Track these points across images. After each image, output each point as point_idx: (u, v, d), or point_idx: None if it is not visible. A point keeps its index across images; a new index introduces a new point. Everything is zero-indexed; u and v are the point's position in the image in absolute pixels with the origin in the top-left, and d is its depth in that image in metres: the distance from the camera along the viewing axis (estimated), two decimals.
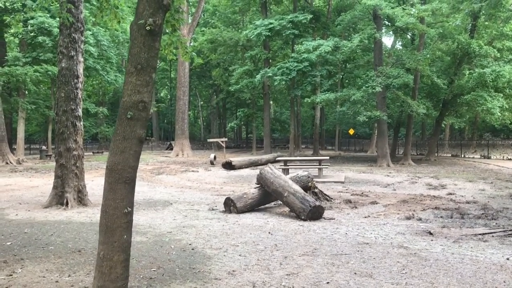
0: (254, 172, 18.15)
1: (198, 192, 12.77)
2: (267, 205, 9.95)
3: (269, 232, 7.29)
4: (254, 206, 9.40)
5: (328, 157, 17.93)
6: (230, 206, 9.18)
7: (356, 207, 9.79)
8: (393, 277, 4.93)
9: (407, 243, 6.56)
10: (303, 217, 8.34)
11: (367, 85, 21.00)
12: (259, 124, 45.84)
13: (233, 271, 5.20)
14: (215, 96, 48.30)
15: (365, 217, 8.73)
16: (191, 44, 39.71)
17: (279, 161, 18.68)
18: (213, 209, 9.59)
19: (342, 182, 14.61)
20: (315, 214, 8.41)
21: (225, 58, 39.31)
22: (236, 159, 21.60)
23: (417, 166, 22.46)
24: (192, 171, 20.05)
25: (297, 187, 8.94)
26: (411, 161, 23.96)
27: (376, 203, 10.30)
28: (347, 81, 39.44)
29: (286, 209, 9.20)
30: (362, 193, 12.11)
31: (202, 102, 59.95)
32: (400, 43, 38.78)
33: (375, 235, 7.11)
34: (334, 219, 8.50)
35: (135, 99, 3.69)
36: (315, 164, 16.14)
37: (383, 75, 20.88)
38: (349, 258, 5.72)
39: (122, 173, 3.70)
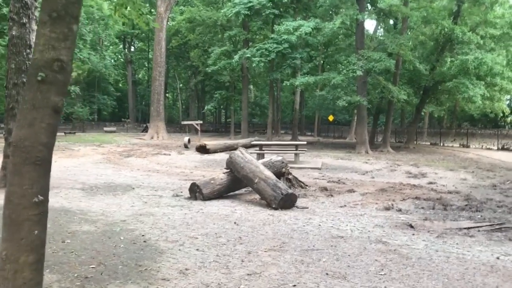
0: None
1: (166, 176, 11.95)
2: (237, 192, 9.21)
3: (235, 223, 6.56)
4: (223, 193, 8.64)
5: (305, 142, 17.25)
6: (195, 192, 8.41)
7: (332, 196, 9.14)
8: (370, 279, 4.26)
9: (386, 237, 5.91)
10: (274, 206, 7.64)
11: (347, 69, 20.31)
12: (238, 108, 44.93)
13: (186, 269, 4.46)
14: (194, 79, 47.02)
15: (341, 206, 8.07)
16: (169, 23, 38.36)
17: (255, 145, 17.97)
18: (177, 196, 8.81)
19: (319, 169, 13.97)
20: (287, 202, 7.72)
21: (204, 39, 38.16)
22: (211, 142, 20.77)
23: (396, 154, 22.03)
24: (164, 154, 19.17)
25: (269, 173, 8.21)
26: (390, 149, 23.53)
27: (353, 192, 9.67)
28: (328, 66, 38.77)
29: (257, 196, 8.48)
30: (339, 180, 11.48)
31: (181, 85, 58.59)
32: (382, 29, 38.19)
33: (351, 227, 6.45)
34: (308, 208, 7.82)
35: (49, 57, 2.85)
36: (292, 149, 15.45)
37: (365, 58, 20.20)
38: (321, 255, 5.03)
39: (31, 151, 2.88)
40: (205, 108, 37.58)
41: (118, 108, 63.99)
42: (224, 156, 18.18)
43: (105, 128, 45.26)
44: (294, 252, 5.12)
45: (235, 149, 20.82)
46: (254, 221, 6.71)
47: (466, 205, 8.29)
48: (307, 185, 10.13)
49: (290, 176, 9.77)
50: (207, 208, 7.65)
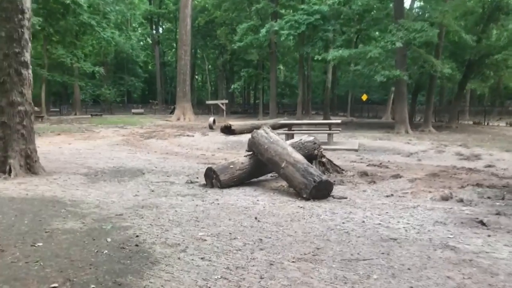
0: None
1: (183, 159, 10.73)
2: (261, 178, 7.88)
3: (256, 218, 5.23)
4: (244, 180, 7.32)
5: (339, 121, 15.71)
6: (212, 178, 7.12)
7: (374, 182, 7.67)
8: None
9: (454, 240, 4.46)
10: (305, 196, 6.27)
11: (386, 41, 18.46)
12: (266, 88, 43.35)
13: None
14: (221, 58, 45.61)
15: (387, 196, 6.62)
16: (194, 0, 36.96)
17: (284, 125, 16.56)
18: (191, 182, 7.54)
19: (356, 150, 12.46)
20: (321, 191, 6.33)
21: (231, 16, 36.60)
22: (236, 123, 19.46)
23: (439, 134, 20.16)
24: (187, 135, 18.01)
25: (298, 156, 6.83)
26: (432, 128, 21.65)
27: (400, 177, 8.16)
28: (361, 44, 36.54)
29: (284, 183, 7.13)
30: (381, 163, 9.96)
31: (210, 66, 57.18)
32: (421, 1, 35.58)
33: (404, 225, 5.01)
34: (347, 198, 6.41)
35: None
36: (324, 129, 13.95)
37: (405, 29, 18.27)
38: (370, 268, 3.65)
39: None
40: (232, 87, 36.04)
41: (148, 90, 63.50)
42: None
43: (133, 110, 44.63)
44: (333, 263, 3.76)
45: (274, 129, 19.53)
46: (280, 216, 5.36)
47: None
48: (343, 170, 8.70)
49: (323, 159, 8.35)
50: (224, 198, 6.35)
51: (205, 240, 4.39)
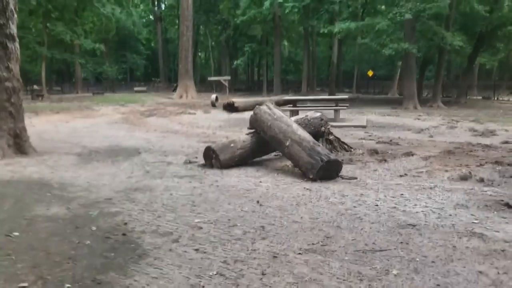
0: None
1: (183, 138, 10.24)
2: (264, 157, 7.38)
3: (258, 202, 4.76)
4: (245, 159, 6.83)
5: (346, 96, 15.11)
6: (211, 158, 6.64)
7: (385, 161, 7.16)
8: None
9: (480, 226, 3.98)
10: (311, 176, 5.78)
11: (394, 12, 17.67)
12: (271, 64, 42.45)
13: None
14: (224, 33, 44.63)
15: (401, 175, 6.12)
16: None
17: (289, 102, 15.98)
18: (190, 162, 7.06)
19: (364, 127, 11.92)
20: (329, 171, 5.84)
21: None
22: (239, 100, 18.90)
23: (448, 109, 19.55)
24: (189, 113, 17.50)
25: (304, 133, 6.31)
26: (441, 103, 21.00)
27: (412, 155, 7.64)
28: (367, 16, 35.40)
29: (289, 162, 6.63)
30: (391, 140, 9.44)
31: (213, 43, 56.10)
32: None
33: (422, 208, 4.53)
34: (357, 178, 5.92)
35: None
36: (330, 105, 13.38)
37: None
38: (389, 261, 3.18)
39: None
40: (235, 63, 35.25)
41: (151, 68, 62.63)
42: None
43: (135, 88, 44.02)
44: (345, 256, 3.29)
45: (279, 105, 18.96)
46: (285, 199, 4.88)
47: None
48: (352, 148, 8.18)
49: (331, 137, 7.83)
50: (224, 179, 5.87)
51: (201, 228, 3.93)
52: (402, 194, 5.08)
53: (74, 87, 41.57)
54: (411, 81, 19.77)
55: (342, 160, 6.91)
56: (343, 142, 8.15)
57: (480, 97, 29.43)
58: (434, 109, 19.25)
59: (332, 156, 5.91)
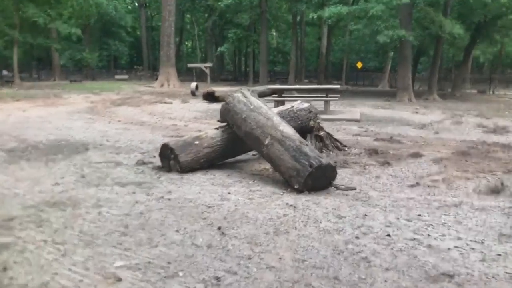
0: None
1: (148, 131, 8.74)
2: (240, 157, 5.94)
3: (219, 228, 3.33)
4: (214, 160, 5.38)
5: (338, 86, 13.71)
6: (169, 159, 5.17)
7: (388, 163, 5.76)
8: None
9: None
10: (296, 186, 4.37)
11: None
12: (258, 53, 40.83)
13: None
14: (209, 20, 42.81)
15: (412, 185, 4.72)
16: None
17: (275, 92, 14.50)
18: (143, 163, 5.59)
19: (358, 121, 10.52)
20: (320, 180, 4.43)
21: None
22: (221, 89, 17.36)
23: (445, 102, 18.29)
24: (165, 102, 15.93)
25: (288, 129, 4.88)
26: (436, 96, 19.71)
27: (420, 156, 6.26)
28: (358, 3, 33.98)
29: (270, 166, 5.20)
30: (391, 137, 8.05)
31: (200, 32, 54.09)
32: None
33: (454, 240, 3.15)
34: (355, 189, 4.52)
35: None
36: (320, 95, 11.93)
37: None
38: None
39: None
40: (218, 49, 33.52)
41: (136, 57, 60.42)
42: None
43: (116, 76, 42.11)
44: None
45: (261, 97, 17.46)
46: (258, 223, 3.46)
47: None
48: (346, 146, 6.79)
49: (321, 133, 6.42)
50: (181, 189, 4.42)
51: (119, 280, 2.48)
52: (420, 216, 3.69)
53: (51, 74, 39.55)
54: (406, 72, 18.43)
55: (336, 162, 5.51)
56: (336, 139, 6.75)
57: (475, 91, 28.24)
58: (430, 102, 17.97)
59: (324, 160, 4.49)
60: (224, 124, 5.59)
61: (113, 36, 49.64)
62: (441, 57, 34.52)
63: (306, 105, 6.34)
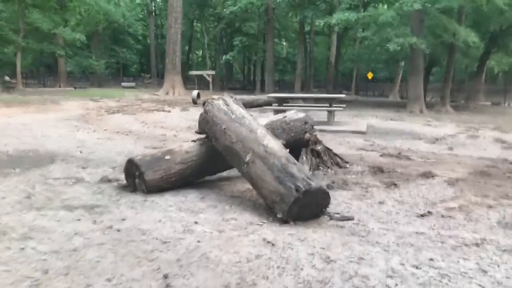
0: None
1: (132, 141, 7.98)
2: (223, 174, 5.14)
3: (166, 277, 2.52)
4: (189, 178, 4.59)
5: (343, 95, 12.89)
6: (134, 177, 4.39)
7: (395, 185, 4.92)
8: None
9: None
10: (279, 215, 3.56)
11: (401, 1, 15.43)
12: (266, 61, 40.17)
13: None
14: (217, 27, 42.27)
15: (422, 215, 3.89)
16: None
17: (278, 100, 13.73)
18: (108, 181, 4.81)
19: (364, 133, 9.69)
20: (309, 208, 3.62)
21: None
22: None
23: (459, 114, 17.37)
24: (163, 110, 15.25)
25: (274, 144, 4.08)
26: (449, 108, 18.77)
27: (432, 176, 5.41)
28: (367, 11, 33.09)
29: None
30: (400, 153, 7.20)
31: (210, 41, 53.52)
32: None
33: None
34: (353, 219, 3.69)
35: None
36: (324, 105, 11.12)
37: None
38: None
39: None
40: (223, 57, 32.88)
41: (146, 65, 60.07)
42: None
43: (123, 84, 41.64)
44: None
45: (255, 106, 16.66)
46: (220, 268, 2.65)
47: None
48: (347, 162, 5.96)
49: (319, 147, 5.60)
50: (139, 216, 3.64)
51: None
52: (431, 260, 2.87)
53: (57, 80, 39.25)
54: (417, 81, 17.54)
55: (333, 182, 4.71)
56: (336, 154, 5.92)
57: (489, 103, 27.20)
58: (442, 114, 17.04)
59: (315, 183, 3.67)
60: (203, 136, 4.82)
61: (121, 44, 49.41)
62: (455, 67, 33.65)
63: (301, 115, 5.53)
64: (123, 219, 3.52)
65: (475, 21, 21.16)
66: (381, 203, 4.24)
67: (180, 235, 3.21)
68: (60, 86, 36.40)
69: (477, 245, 3.17)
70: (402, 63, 30.86)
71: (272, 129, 5.06)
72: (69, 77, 41.64)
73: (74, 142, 7.51)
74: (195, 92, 18.95)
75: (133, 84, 42.63)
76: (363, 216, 3.79)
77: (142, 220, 3.51)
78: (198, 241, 3.09)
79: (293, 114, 5.50)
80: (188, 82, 36.81)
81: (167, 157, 4.44)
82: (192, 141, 4.79)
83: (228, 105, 4.58)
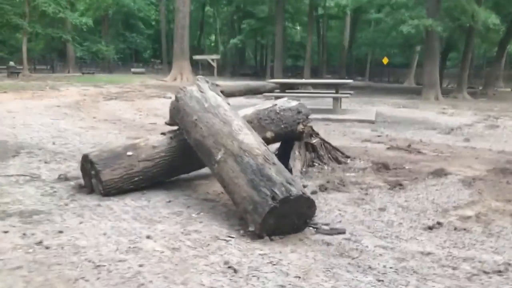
0: (250, 101, 12.62)
1: (116, 130, 7.35)
2: (202, 171, 4.46)
3: None
4: (156, 178, 3.93)
5: (351, 81, 12.07)
6: (90, 176, 3.75)
7: (401, 185, 4.20)
8: None
9: None
10: (252, 228, 2.88)
11: None
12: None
13: None
14: (228, 11, 41.32)
15: (430, 227, 3.17)
16: None
17: (285, 86, 12.96)
18: (66, 179, 4.17)
19: (372, 122, 8.92)
20: (289, 218, 2.94)
21: None
22: (227, 83, 15.94)
23: (476, 101, 16.42)
24: (164, 97, 14.62)
25: (251, 139, 3.39)
26: (466, 95, 17.80)
27: (445, 174, 4.67)
28: None
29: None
30: (409, 145, 6.44)
31: (223, 26, 52.42)
32: None
33: None
34: (344, 233, 3.00)
35: None
36: (330, 91, 10.35)
37: None
38: None
39: None
40: (231, 41, 31.99)
41: (159, 50, 59.33)
42: (242, 101, 13.31)
43: (132, 70, 41.07)
44: None
45: (260, 92, 15.90)
46: None
47: None
48: (348, 157, 5.25)
49: (314, 141, 4.89)
50: (84, 226, 3.00)
51: None
52: None
53: (66, 66, 38.91)
54: (433, 66, 16.57)
55: (328, 181, 4.01)
56: (335, 148, 5.21)
57: (509, 89, 26.03)
58: (459, 101, 16.12)
59: (295, 189, 2.97)
60: (176, 127, 4.14)
61: (133, 29, 48.79)
62: (473, 51, 32.37)
63: (293, 103, 4.81)
64: (60, 232, 2.88)
65: (495, 2, 20.02)
66: (381, 209, 3.53)
67: (121, 255, 2.56)
68: (69, 72, 36.03)
69: (499, 273, 2.46)
70: (418, 48, 29.71)
71: (259, 119, 4.39)
72: (79, 63, 41.25)
73: (52, 132, 6.91)
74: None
75: (143, 70, 42.12)
76: (357, 228, 3.10)
77: (83, 233, 2.87)
78: (140, 265, 2.43)
79: (285, 102, 4.78)
80: (199, 67, 36.10)
81: (129, 153, 3.78)
82: (161, 133, 4.12)
83: (202, 92, 3.89)
